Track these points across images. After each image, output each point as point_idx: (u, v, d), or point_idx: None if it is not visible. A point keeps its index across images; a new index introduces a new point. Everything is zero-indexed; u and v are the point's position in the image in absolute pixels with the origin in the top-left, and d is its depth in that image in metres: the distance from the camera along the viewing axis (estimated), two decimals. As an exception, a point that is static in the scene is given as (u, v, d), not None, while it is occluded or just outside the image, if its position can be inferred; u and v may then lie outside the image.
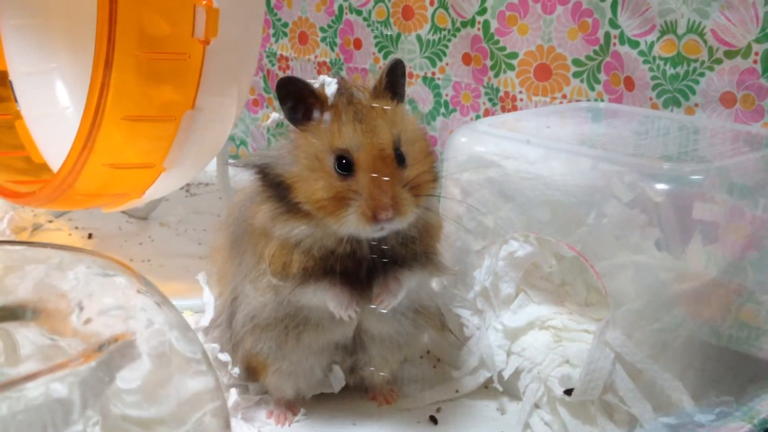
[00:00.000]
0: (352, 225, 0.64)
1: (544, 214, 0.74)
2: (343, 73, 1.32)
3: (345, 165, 0.65)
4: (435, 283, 0.78)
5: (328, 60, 1.36)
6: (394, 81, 0.70)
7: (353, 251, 0.68)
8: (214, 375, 0.54)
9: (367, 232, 0.65)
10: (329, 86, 0.68)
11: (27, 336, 0.45)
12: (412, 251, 0.69)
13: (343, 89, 0.69)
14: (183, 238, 1.20)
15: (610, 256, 0.71)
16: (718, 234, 0.72)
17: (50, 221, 1.24)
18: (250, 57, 0.93)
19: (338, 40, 1.33)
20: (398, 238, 0.68)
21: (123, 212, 1.25)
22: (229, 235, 0.76)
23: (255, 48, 0.94)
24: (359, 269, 0.69)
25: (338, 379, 0.76)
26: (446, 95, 1.22)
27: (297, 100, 0.67)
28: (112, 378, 0.39)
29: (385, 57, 1.27)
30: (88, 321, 0.44)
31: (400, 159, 0.66)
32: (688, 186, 0.70)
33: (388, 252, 0.68)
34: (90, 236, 1.19)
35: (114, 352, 0.40)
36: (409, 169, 0.67)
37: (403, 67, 0.71)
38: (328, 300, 0.68)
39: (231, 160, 1.10)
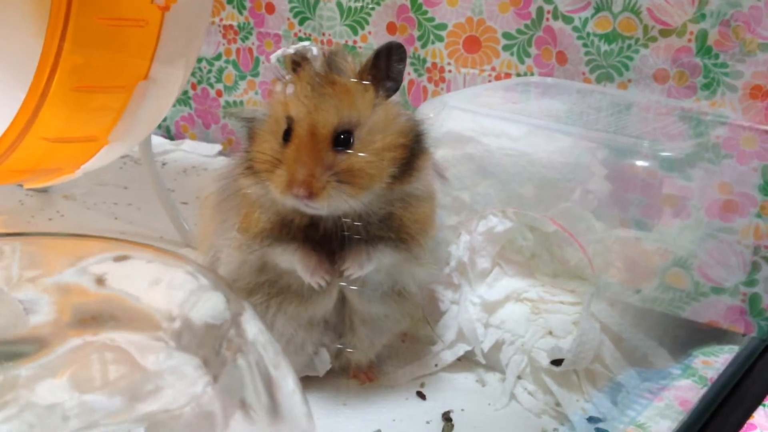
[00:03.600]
0: (273, 190, 0.64)
1: (527, 189, 0.76)
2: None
3: (287, 132, 0.65)
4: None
5: (235, 24, 1.31)
6: (384, 65, 0.67)
7: (314, 222, 0.67)
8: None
9: (288, 201, 0.64)
10: (309, 53, 0.68)
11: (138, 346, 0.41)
12: (388, 233, 0.68)
13: (318, 59, 0.67)
14: (94, 212, 1.13)
15: (592, 231, 0.74)
16: (689, 209, 0.76)
17: (-62, 196, 1.13)
18: (201, 26, 0.88)
19: (247, 3, 1.28)
20: (369, 218, 0.67)
21: (19, 184, 1.16)
22: (217, 193, 0.74)
23: (207, 16, 0.89)
24: (329, 242, 0.68)
25: (324, 362, 0.74)
26: (368, 64, 1.20)
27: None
28: (241, 387, 0.37)
29: (300, 23, 1.24)
30: (187, 327, 0.41)
31: (341, 142, 0.64)
32: (665, 162, 0.74)
33: (359, 229, 0.67)
34: (-10, 212, 1.10)
35: (230, 360, 0.37)
36: (352, 156, 0.64)
37: (403, 52, 0.68)
38: (295, 263, 0.67)
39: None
